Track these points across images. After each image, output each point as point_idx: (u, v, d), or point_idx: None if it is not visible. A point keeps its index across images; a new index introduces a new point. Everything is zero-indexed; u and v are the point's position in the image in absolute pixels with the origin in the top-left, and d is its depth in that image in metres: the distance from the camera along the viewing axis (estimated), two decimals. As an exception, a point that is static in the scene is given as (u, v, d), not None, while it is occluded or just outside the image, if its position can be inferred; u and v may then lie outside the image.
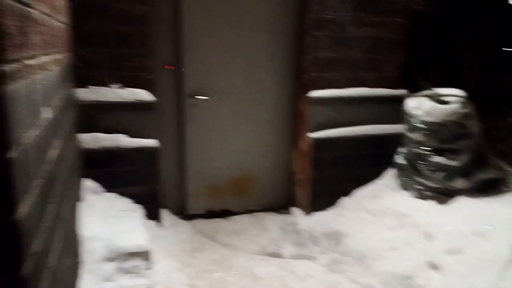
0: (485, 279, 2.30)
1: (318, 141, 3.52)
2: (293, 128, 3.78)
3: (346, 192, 3.59)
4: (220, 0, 3.35)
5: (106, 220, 2.42)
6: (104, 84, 2.92)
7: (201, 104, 3.49)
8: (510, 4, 5.28)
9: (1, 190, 0.79)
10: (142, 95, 2.99)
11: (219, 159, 3.65)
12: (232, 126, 3.63)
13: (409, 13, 3.72)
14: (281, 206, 3.86)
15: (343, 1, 3.45)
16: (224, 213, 3.73)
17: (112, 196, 2.87)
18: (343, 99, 3.58)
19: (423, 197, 3.21)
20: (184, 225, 3.44)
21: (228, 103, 3.57)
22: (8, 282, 0.84)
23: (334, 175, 3.59)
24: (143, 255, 2.24)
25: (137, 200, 2.96)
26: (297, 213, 3.68)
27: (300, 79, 3.60)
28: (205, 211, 3.70)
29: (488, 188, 3.10)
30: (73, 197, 2.02)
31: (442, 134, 3.21)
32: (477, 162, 3.19)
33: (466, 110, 3.24)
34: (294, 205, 3.80)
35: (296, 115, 3.72)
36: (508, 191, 3.05)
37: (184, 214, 3.62)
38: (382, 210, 3.17)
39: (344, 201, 3.53)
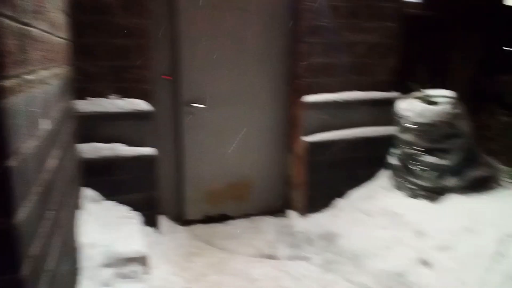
0: (474, 273, 2.37)
1: (313, 144, 3.59)
2: (288, 133, 3.86)
3: (341, 194, 3.66)
4: (215, 12, 3.45)
5: (104, 227, 2.50)
6: (103, 95, 3.01)
7: (198, 112, 3.57)
8: (504, 5, 5.35)
9: (1, 196, 0.87)
10: (140, 105, 3.08)
11: (216, 165, 3.73)
12: (229, 133, 3.72)
13: (400, 18, 3.80)
14: (278, 209, 3.93)
15: (335, 9, 3.54)
16: (222, 218, 3.81)
17: (111, 204, 2.94)
18: (337, 103, 3.66)
19: (415, 196, 3.28)
20: (182, 230, 3.51)
21: (224, 110, 3.66)
22: (8, 282, 0.91)
23: (329, 178, 3.66)
24: (141, 260, 2.31)
25: (136, 207, 3.04)
26: (293, 215, 3.75)
27: (295, 85, 3.69)
28: (203, 216, 3.78)
29: (478, 186, 3.16)
30: (72, 205, 2.09)
31: (433, 134, 3.28)
32: (468, 161, 3.26)
33: (456, 110, 3.31)
34: (290, 208, 3.87)
35: (291, 120, 3.80)
36: (498, 188, 3.12)
37: (182, 220, 3.70)
38: (376, 210, 3.24)
39: (339, 203, 3.60)
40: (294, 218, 3.70)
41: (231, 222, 3.74)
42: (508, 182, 3.19)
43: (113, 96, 3.03)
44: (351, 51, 3.69)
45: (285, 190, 3.95)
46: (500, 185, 3.20)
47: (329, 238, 3.19)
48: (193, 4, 3.37)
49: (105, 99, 3.01)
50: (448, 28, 5.03)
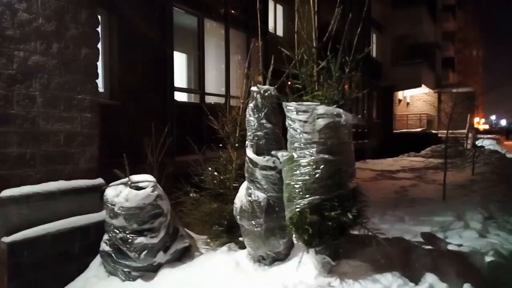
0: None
1: (14, 245, 3.22)
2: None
3: (53, 294, 3.37)
4: None
5: None
6: None
7: None
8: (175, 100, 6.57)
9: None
10: None
11: None
12: None
13: (97, 108, 4.05)
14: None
15: (30, 97, 3.44)
16: None
17: None
18: (40, 194, 3.48)
19: (131, 278, 3.43)
20: None
21: None
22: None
23: (38, 279, 3.33)
24: None
25: None
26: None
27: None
28: None
29: (183, 256, 3.66)
30: None
31: (141, 216, 3.58)
32: (172, 235, 3.73)
33: (157, 192, 3.78)
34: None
35: (-16, 219, 3.26)
36: (197, 254, 3.71)
37: None
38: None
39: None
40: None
41: None
42: (203, 248, 3.84)
43: None
44: (52, 140, 3.64)
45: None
46: (198, 251, 3.81)
47: None
48: None
49: None
50: (140, 118, 5.73)
